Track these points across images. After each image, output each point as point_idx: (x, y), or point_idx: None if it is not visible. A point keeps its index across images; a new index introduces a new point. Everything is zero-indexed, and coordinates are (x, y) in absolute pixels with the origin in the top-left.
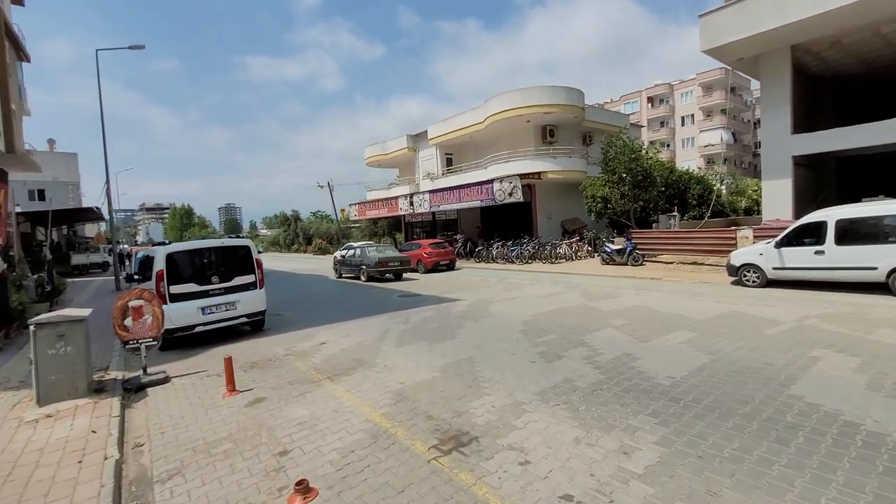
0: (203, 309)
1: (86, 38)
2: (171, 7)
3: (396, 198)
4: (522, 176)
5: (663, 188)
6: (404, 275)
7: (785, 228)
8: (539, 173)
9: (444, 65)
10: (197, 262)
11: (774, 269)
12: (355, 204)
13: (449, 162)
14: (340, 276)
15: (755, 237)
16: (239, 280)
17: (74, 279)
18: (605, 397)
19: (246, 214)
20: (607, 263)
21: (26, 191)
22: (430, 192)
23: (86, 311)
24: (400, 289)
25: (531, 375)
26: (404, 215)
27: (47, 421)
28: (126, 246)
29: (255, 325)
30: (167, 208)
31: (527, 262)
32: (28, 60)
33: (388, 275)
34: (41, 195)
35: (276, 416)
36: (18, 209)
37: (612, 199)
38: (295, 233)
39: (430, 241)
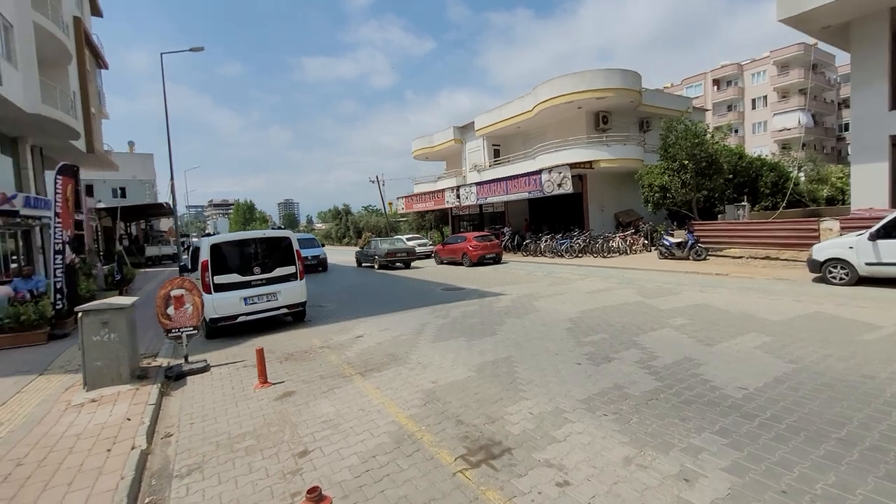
0: (245, 299)
1: (161, 47)
2: (235, 14)
3: (443, 191)
4: (573, 165)
5: (731, 176)
6: (453, 267)
7: (881, 218)
8: (591, 162)
9: (493, 56)
10: (240, 253)
11: (868, 264)
12: (402, 197)
13: (496, 153)
14: (360, 265)
15: (842, 228)
16: (280, 271)
17: (147, 269)
18: (661, 409)
19: (303, 209)
20: (666, 258)
21: (109, 189)
22: (477, 184)
23: (129, 300)
24: (444, 282)
25: (576, 379)
26: (451, 208)
27: (91, 406)
28: (196, 238)
29: (296, 316)
30: (232, 204)
31: (577, 256)
32: (106, 67)
33: (397, 264)
34: (123, 192)
35: (303, 412)
36: (101, 205)
37: (671, 188)
38: (346, 226)
39: (476, 233)
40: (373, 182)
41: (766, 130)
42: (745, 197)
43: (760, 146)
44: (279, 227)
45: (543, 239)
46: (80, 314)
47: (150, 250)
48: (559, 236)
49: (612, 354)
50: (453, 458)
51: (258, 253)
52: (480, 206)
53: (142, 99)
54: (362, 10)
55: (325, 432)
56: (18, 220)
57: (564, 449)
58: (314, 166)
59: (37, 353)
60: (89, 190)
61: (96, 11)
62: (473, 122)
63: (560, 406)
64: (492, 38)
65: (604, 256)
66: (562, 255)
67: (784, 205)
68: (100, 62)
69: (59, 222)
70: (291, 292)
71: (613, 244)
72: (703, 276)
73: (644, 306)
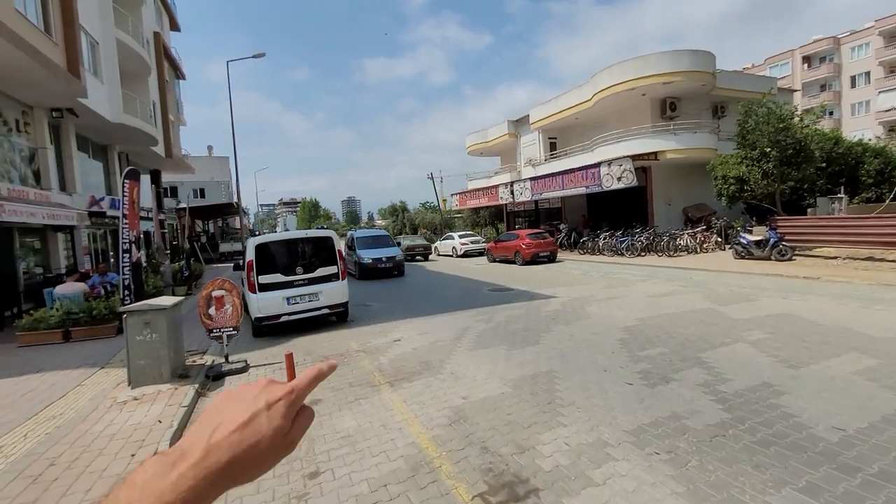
0: (288, 299)
1: (235, 55)
2: (303, 21)
3: (496, 186)
4: (636, 157)
5: (824, 164)
6: (505, 266)
7: None
8: (656, 153)
9: (553, 47)
10: (283, 253)
11: None
12: (456, 194)
13: (552, 147)
14: None
15: None
16: (322, 271)
17: (219, 264)
18: (729, 450)
19: (364, 206)
20: (742, 257)
21: (189, 189)
22: (532, 179)
23: (171, 301)
24: (493, 282)
25: (625, 403)
26: (505, 204)
27: (131, 404)
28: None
29: (339, 317)
30: (299, 202)
31: (639, 255)
32: (184, 78)
33: (417, 257)
34: (202, 193)
35: (324, 424)
36: (182, 205)
37: (750, 179)
38: (402, 223)
39: (529, 231)
40: (431, 178)
41: (869, 111)
42: (843, 188)
43: (861, 129)
44: (322, 227)
45: (602, 236)
46: (124, 315)
47: (224, 246)
48: (619, 233)
49: (672, 374)
50: (471, 496)
51: (301, 253)
52: (536, 202)
53: (220, 106)
54: (420, 9)
55: (342, 450)
56: (106, 220)
57: (603, 496)
58: (375, 164)
59: (105, 346)
60: (174, 191)
61: (174, 26)
62: (528, 115)
63: (602, 437)
64: (552, 28)
65: (669, 255)
66: (622, 254)
67: (892, 196)
68: (178, 73)
69: (126, 223)
70: (333, 292)
71: (681, 242)
72: (787, 280)
73: (714, 315)
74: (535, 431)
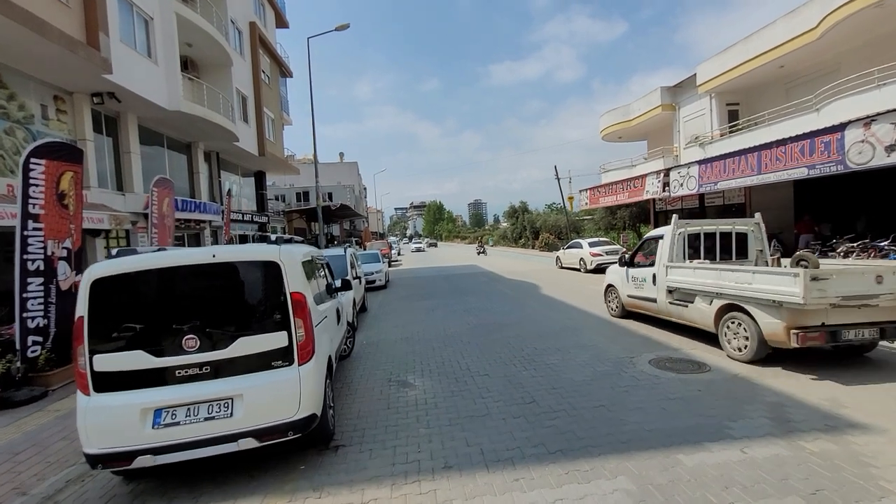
0: (157, 413)
1: (375, 76)
2: (433, 35)
3: (643, 177)
4: None
5: None
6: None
7: None
8: None
9: (697, 29)
10: (157, 301)
11: None
12: (586, 189)
13: (732, 117)
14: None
15: None
16: (243, 346)
17: None
18: None
19: (490, 209)
20: None
21: (322, 194)
22: (700, 163)
23: None
24: (651, 335)
25: None
26: (654, 200)
27: None
28: (394, 239)
29: (311, 438)
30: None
31: None
32: (290, 76)
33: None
34: (330, 197)
35: None
36: (290, 207)
37: None
38: (522, 225)
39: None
40: (559, 179)
41: None
42: None
43: None
44: (280, 238)
45: (842, 248)
46: None
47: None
48: (886, 243)
49: None
50: None
51: (196, 301)
52: (701, 196)
53: (364, 121)
54: (546, 8)
55: None
56: (177, 223)
57: None
58: (502, 167)
59: None
60: (306, 195)
61: (282, 23)
62: (695, 75)
63: None
64: (695, 6)
65: None
66: None
67: None
68: (283, 70)
69: (37, 227)
70: (271, 397)
71: None
72: None
73: None
74: None
